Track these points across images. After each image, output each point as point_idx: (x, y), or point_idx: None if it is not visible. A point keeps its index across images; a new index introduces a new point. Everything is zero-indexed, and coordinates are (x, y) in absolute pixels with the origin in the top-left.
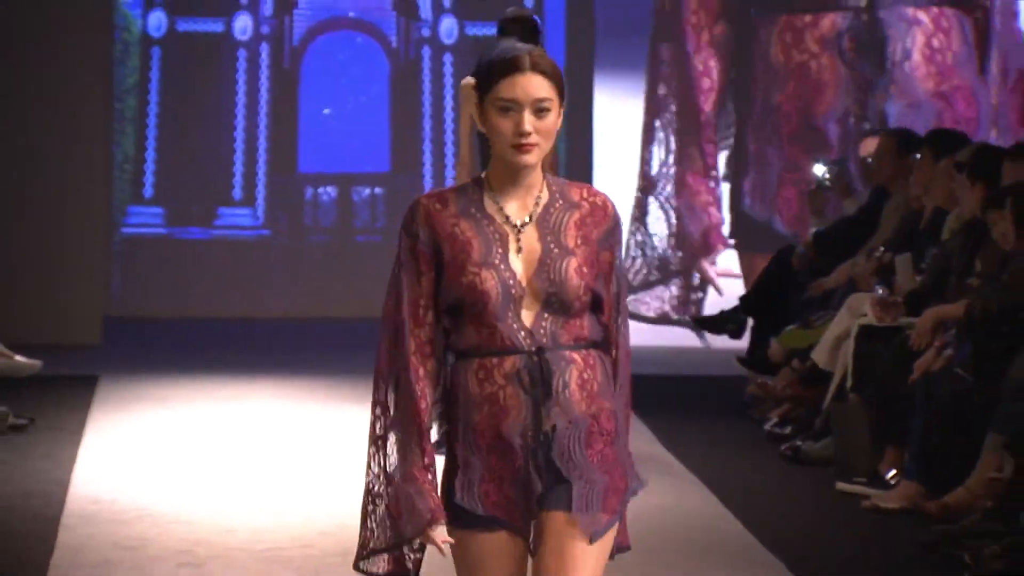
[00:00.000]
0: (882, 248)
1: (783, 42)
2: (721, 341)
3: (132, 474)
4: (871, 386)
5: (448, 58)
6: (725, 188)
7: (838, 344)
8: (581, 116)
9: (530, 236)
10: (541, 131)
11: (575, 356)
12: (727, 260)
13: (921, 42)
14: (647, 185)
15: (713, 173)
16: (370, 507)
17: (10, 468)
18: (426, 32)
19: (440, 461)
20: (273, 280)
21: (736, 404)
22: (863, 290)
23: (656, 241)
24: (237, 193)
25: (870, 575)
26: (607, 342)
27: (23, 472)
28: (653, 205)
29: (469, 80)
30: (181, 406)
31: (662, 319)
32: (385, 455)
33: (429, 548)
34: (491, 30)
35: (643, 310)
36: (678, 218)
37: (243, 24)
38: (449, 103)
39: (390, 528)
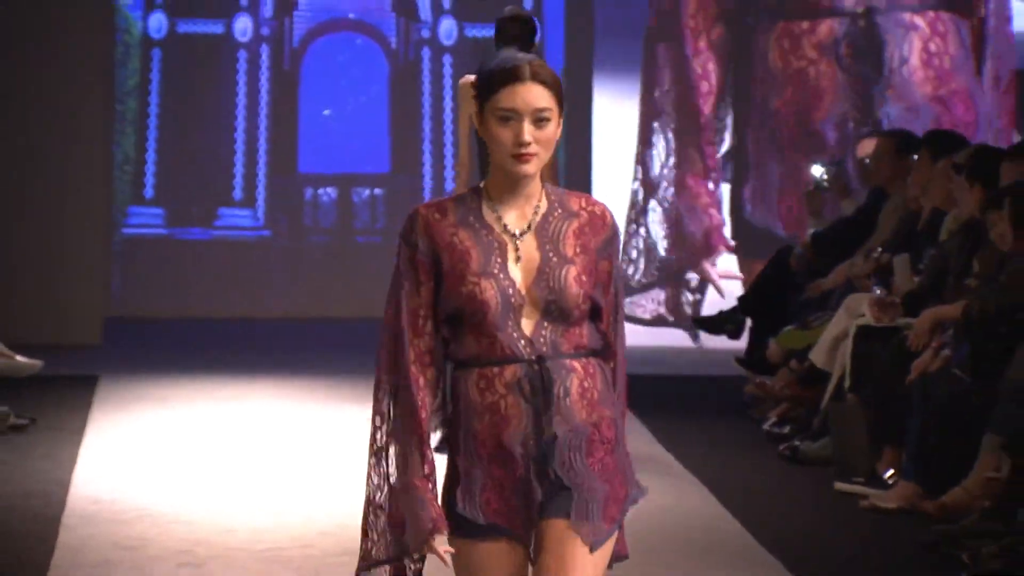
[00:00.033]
0: (880, 249)
1: (781, 48)
2: (720, 341)
3: (132, 474)
4: (869, 386)
5: (447, 59)
6: (725, 190)
7: (836, 344)
8: (580, 116)
9: (529, 245)
10: (540, 141)
11: (575, 364)
12: (728, 262)
13: (918, 47)
14: (646, 186)
15: (713, 175)
16: (371, 518)
17: (11, 468)
18: (425, 33)
19: (440, 467)
20: (273, 280)
21: (735, 404)
22: (861, 291)
23: (655, 242)
24: (237, 194)
25: (868, 575)
26: (606, 350)
27: (24, 472)
28: (652, 206)
29: (467, 79)
30: (181, 406)
31: (658, 321)
32: (386, 465)
33: (430, 557)
34: (490, 31)
35: (639, 312)
36: (678, 219)
37: (243, 25)
38: (448, 104)
39: (391, 539)
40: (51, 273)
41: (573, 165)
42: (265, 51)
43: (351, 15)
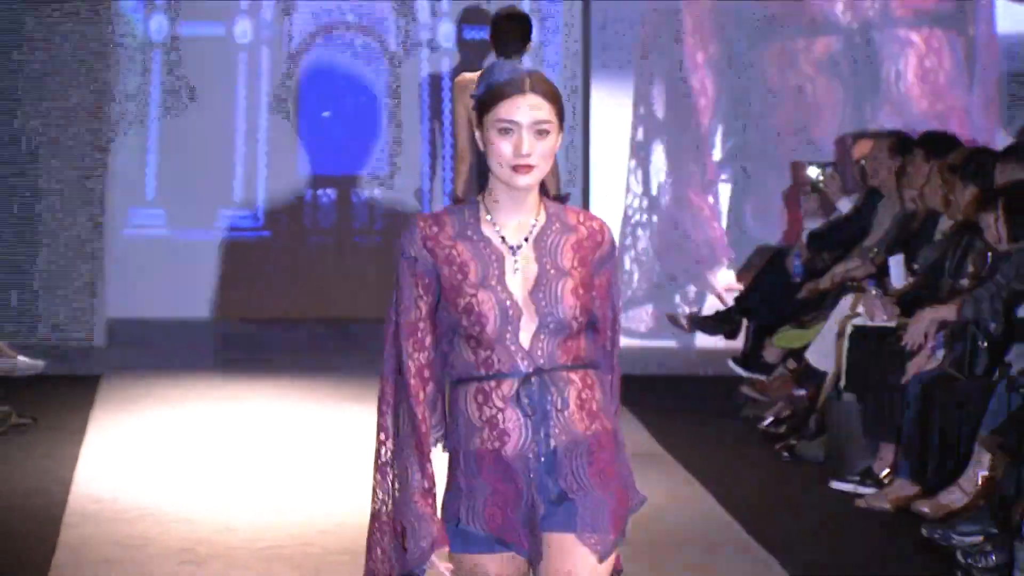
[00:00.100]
0: (876, 249)
1: (778, 65)
2: (717, 342)
3: (134, 473)
4: (865, 386)
5: (446, 61)
6: (724, 202)
7: (832, 344)
8: (578, 118)
9: (527, 257)
10: (540, 153)
11: (573, 376)
12: (727, 275)
13: (914, 63)
14: (643, 200)
15: (713, 188)
16: (377, 534)
17: (13, 467)
18: (425, 35)
19: (440, 475)
20: (273, 281)
21: (731, 404)
22: (857, 291)
23: (651, 256)
24: (237, 195)
25: (862, 572)
26: (605, 362)
27: (25, 471)
28: (647, 220)
29: (463, 76)
30: (182, 406)
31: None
32: (390, 481)
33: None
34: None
35: (634, 325)
36: (680, 233)
37: (243, 28)
38: (447, 106)
39: (395, 556)
40: (53, 273)
41: (571, 166)
42: (265, 53)
43: (350, 17)
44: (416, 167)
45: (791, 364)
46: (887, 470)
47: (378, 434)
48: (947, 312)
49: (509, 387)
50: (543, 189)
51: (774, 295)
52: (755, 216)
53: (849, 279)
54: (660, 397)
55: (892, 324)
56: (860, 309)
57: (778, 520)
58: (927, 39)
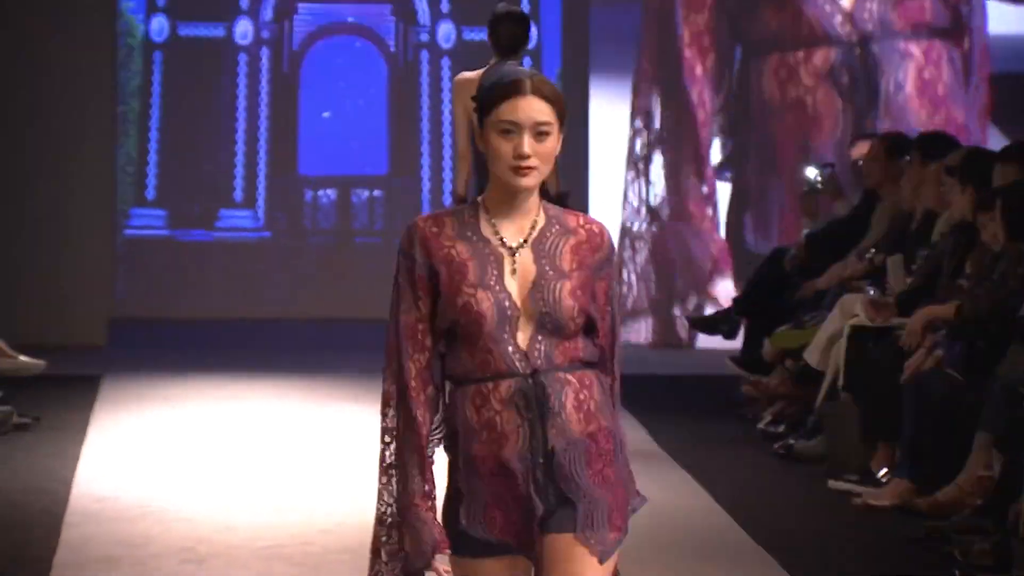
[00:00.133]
0: (873, 249)
1: (778, 78)
2: (715, 341)
3: (135, 472)
4: (863, 385)
5: (446, 62)
6: (722, 215)
7: (830, 344)
8: (577, 119)
9: (526, 259)
10: (540, 154)
11: (570, 377)
12: (727, 287)
13: (913, 74)
14: (641, 213)
15: (713, 200)
16: (383, 537)
17: (15, 466)
18: (424, 37)
19: (440, 480)
20: (273, 281)
21: (730, 403)
22: (855, 291)
23: (651, 269)
24: (238, 195)
25: (861, 571)
26: (603, 364)
27: (28, 470)
28: (646, 233)
29: (463, 75)
30: (183, 405)
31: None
32: (394, 484)
33: None
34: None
35: (633, 338)
36: (681, 245)
37: (244, 29)
38: (447, 107)
39: (399, 560)
40: (55, 274)
41: (569, 170)
42: (265, 54)
43: (350, 19)
44: (416, 168)
45: (789, 364)
46: (885, 469)
47: (382, 436)
48: (945, 312)
49: (506, 389)
50: (543, 190)
51: (773, 295)
52: (755, 228)
53: (847, 279)
54: (658, 397)
55: (890, 324)
56: (858, 309)
57: (776, 519)
58: (926, 51)
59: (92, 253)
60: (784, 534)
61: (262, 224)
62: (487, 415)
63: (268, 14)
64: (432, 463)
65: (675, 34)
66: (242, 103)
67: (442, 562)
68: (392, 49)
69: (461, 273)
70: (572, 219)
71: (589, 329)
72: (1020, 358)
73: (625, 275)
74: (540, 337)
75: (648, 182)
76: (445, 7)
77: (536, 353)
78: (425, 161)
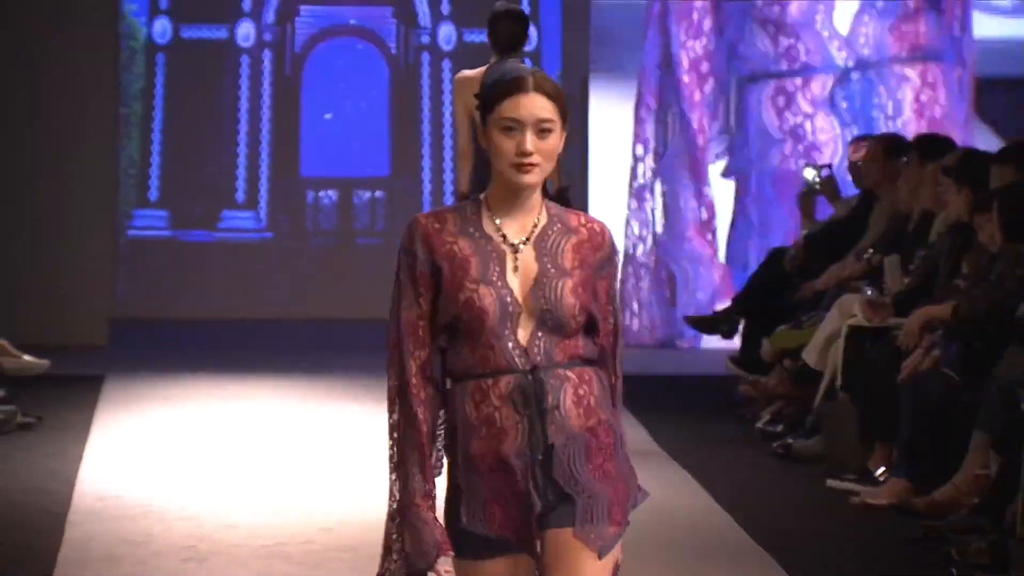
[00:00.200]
0: (871, 250)
1: (776, 106)
2: (714, 341)
3: (137, 471)
4: (860, 385)
5: (446, 64)
6: (721, 240)
7: (828, 344)
8: (577, 120)
9: (527, 256)
10: (542, 152)
11: (570, 373)
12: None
13: (910, 98)
14: (645, 241)
15: (712, 226)
16: (394, 535)
17: (18, 465)
18: (425, 39)
19: (440, 480)
20: (275, 281)
21: (728, 403)
22: (852, 291)
23: (655, 299)
24: (240, 196)
25: (859, 570)
26: (604, 361)
27: (31, 469)
28: (649, 261)
29: (463, 73)
30: (185, 405)
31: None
32: (399, 480)
33: None
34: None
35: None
36: (684, 272)
37: (246, 31)
38: (448, 108)
39: (404, 560)
40: (58, 275)
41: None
42: (267, 56)
43: (352, 21)
44: (417, 169)
45: (788, 364)
46: (882, 469)
47: (390, 434)
48: (942, 312)
49: (506, 385)
50: (543, 187)
51: (771, 295)
52: (758, 254)
53: (845, 280)
54: (658, 396)
55: (887, 324)
56: (856, 309)
57: (774, 518)
58: (922, 73)
59: (94, 254)
60: (782, 533)
61: (264, 225)
62: (486, 411)
63: (270, 16)
64: (432, 460)
65: (673, 60)
66: (244, 105)
67: (444, 564)
68: (393, 51)
69: (464, 269)
70: (574, 218)
71: (590, 327)
72: (1017, 358)
73: (635, 307)
74: (540, 334)
75: (651, 209)
76: (446, 9)
77: (536, 350)
78: (426, 162)
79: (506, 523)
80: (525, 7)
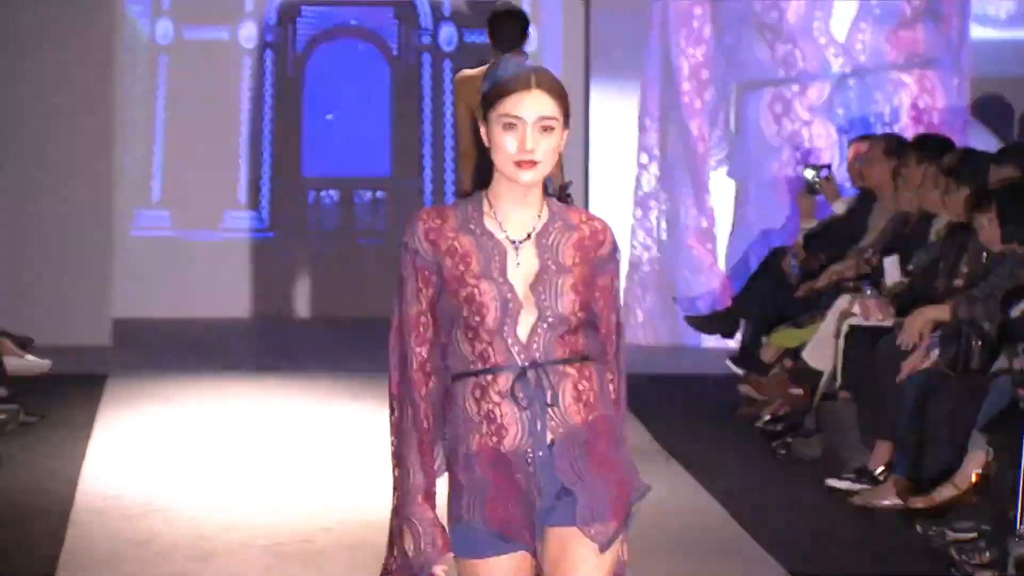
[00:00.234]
0: (870, 250)
1: (774, 113)
2: (714, 341)
3: (140, 470)
4: (860, 384)
5: (447, 65)
6: (721, 248)
7: (828, 343)
8: (577, 120)
9: (528, 252)
10: (544, 149)
11: (569, 369)
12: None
13: (907, 104)
14: (651, 249)
15: (712, 234)
16: (396, 532)
17: (21, 464)
18: (426, 40)
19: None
20: (277, 281)
21: (728, 402)
22: (852, 291)
23: (659, 307)
24: (242, 197)
25: (858, 568)
26: (605, 358)
27: (33, 468)
28: (658, 268)
29: (464, 73)
30: (187, 404)
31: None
32: (401, 476)
33: None
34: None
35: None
36: (682, 281)
37: (248, 32)
38: (449, 108)
39: (403, 559)
40: (60, 275)
41: (570, 167)
42: (269, 57)
43: (353, 22)
44: (418, 169)
45: (788, 363)
46: (882, 467)
47: (391, 430)
48: (941, 312)
49: (505, 381)
50: (544, 185)
51: (771, 295)
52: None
53: (845, 279)
54: (657, 395)
55: (887, 324)
56: (856, 309)
57: (774, 517)
58: (919, 80)
59: (97, 253)
60: (782, 532)
61: (266, 225)
62: (486, 407)
63: (272, 17)
64: (433, 457)
65: (673, 67)
66: (246, 105)
67: (443, 565)
68: (394, 52)
69: (465, 264)
70: (575, 215)
71: (591, 324)
72: (1016, 357)
73: (639, 316)
74: (541, 330)
75: (655, 217)
76: (447, 10)
77: (536, 346)
78: (427, 163)
79: (507, 520)
80: (525, 7)
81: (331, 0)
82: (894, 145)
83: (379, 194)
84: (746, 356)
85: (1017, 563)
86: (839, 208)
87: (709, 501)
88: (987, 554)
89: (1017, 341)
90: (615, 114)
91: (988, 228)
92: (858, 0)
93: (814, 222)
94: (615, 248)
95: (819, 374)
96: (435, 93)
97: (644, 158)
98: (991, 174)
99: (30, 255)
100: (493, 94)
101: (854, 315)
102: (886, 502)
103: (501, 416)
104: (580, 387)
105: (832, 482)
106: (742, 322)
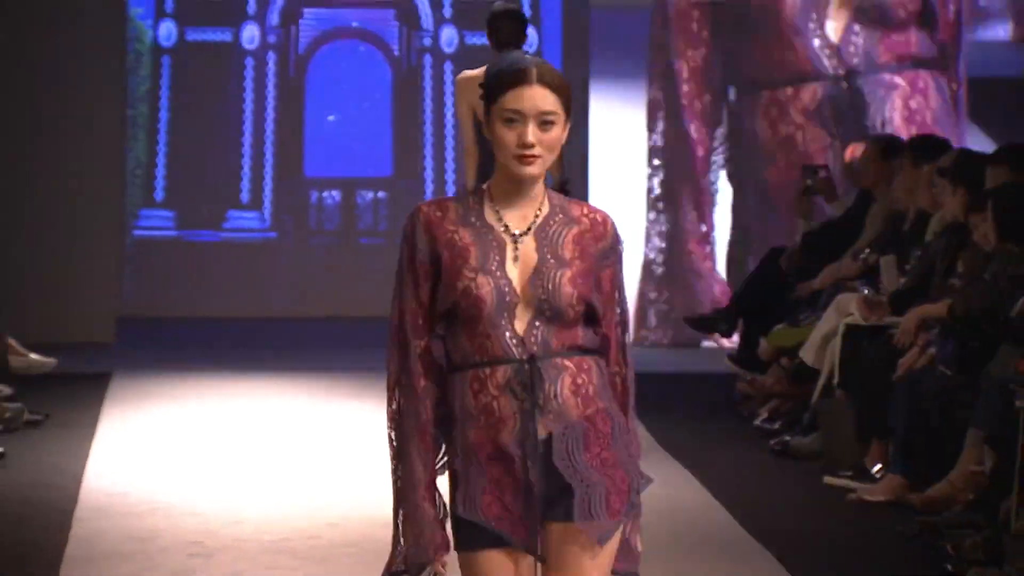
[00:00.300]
0: (867, 250)
1: (769, 117)
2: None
3: (143, 468)
4: (857, 383)
5: (448, 66)
6: (720, 253)
7: (825, 343)
8: (577, 121)
9: (528, 246)
10: (545, 143)
11: (567, 363)
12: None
13: (900, 105)
14: (660, 251)
15: (710, 238)
16: (399, 520)
17: (26, 462)
18: (427, 41)
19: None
20: (279, 280)
21: (727, 400)
22: (849, 291)
23: (669, 309)
24: (245, 197)
25: (855, 565)
26: (607, 351)
27: (38, 466)
28: (663, 271)
29: (465, 73)
30: (190, 402)
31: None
32: (400, 470)
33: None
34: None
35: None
36: (685, 286)
37: (250, 34)
38: (449, 109)
39: (404, 553)
40: (65, 274)
41: (570, 166)
42: (272, 58)
43: (355, 23)
44: (419, 170)
45: (785, 362)
46: (879, 465)
47: (389, 423)
48: (937, 311)
49: (503, 374)
50: (546, 179)
51: (769, 295)
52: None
53: (842, 279)
54: (656, 394)
55: (884, 323)
56: (853, 308)
57: (772, 514)
58: (912, 81)
59: (101, 253)
60: (779, 529)
61: (268, 225)
62: (484, 400)
63: (274, 19)
64: (433, 450)
65: (673, 70)
66: (249, 106)
67: (443, 558)
68: (396, 53)
69: (463, 257)
70: (576, 208)
71: (591, 317)
72: (1011, 356)
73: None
74: (538, 324)
75: (662, 221)
76: (448, 12)
77: (533, 339)
78: (428, 163)
79: (502, 515)
80: (525, 8)
81: (333, 2)
82: (890, 146)
83: (380, 194)
84: (744, 355)
85: (1012, 560)
86: (836, 209)
87: (707, 498)
88: (983, 552)
89: (1012, 340)
90: (615, 114)
91: (983, 228)
92: (853, 2)
93: (812, 223)
94: (617, 240)
95: (816, 373)
96: (436, 94)
97: (656, 160)
98: (988, 175)
99: (35, 254)
100: (494, 89)
101: (851, 314)
102: (882, 499)
103: (499, 409)
104: (578, 381)
105: (829, 480)
106: (740, 321)
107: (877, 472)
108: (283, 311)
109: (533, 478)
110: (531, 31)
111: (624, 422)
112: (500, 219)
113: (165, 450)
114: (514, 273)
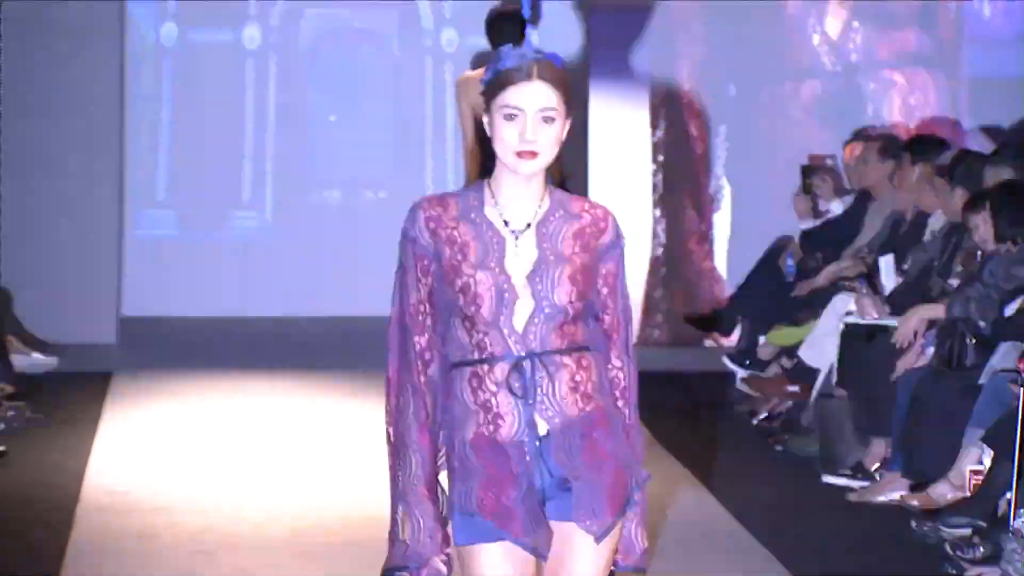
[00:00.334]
0: (866, 249)
1: (768, 113)
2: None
3: (145, 466)
4: (856, 382)
5: (449, 67)
6: (720, 252)
7: (824, 342)
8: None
9: (528, 242)
10: (545, 139)
11: (566, 360)
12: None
13: (897, 102)
14: (664, 250)
15: (710, 237)
16: (398, 516)
17: (27, 461)
18: (428, 43)
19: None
20: (280, 280)
21: (726, 399)
22: (848, 290)
23: (663, 309)
24: (246, 197)
25: (854, 564)
26: (608, 348)
27: (40, 465)
28: (668, 271)
29: (466, 74)
30: (192, 401)
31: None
32: (400, 466)
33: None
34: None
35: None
36: (687, 285)
37: (252, 34)
38: (450, 109)
39: (403, 549)
40: (67, 274)
41: (570, 165)
42: (273, 59)
43: (356, 24)
44: (420, 170)
45: (784, 361)
46: (878, 465)
47: (388, 418)
48: (936, 311)
49: (502, 371)
50: (547, 175)
51: (768, 294)
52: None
53: (841, 278)
54: (656, 393)
55: (883, 322)
56: (852, 308)
57: (771, 513)
58: (910, 77)
59: (103, 253)
60: (778, 528)
61: (270, 225)
62: (483, 397)
63: (275, 20)
64: (433, 447)
65: (674, 67)
66: (250, 107)
67: (442, 555)
68: (397, 54)
69: (463, 254)
70: (577, 204)
71: (590, 314)
72: (1009, 355)
73: (659, 319)
74: (537, 320)
75: (665, 221)
76: (449, 13)
77: (532, 336)
78: (428, 163)
79: (499, 512)
80: (525, 9)
81: (334, 3)
82: (890, 145)
83: (381, 194)
84: (744, 354)
85: (1010, 558)
86: (835, 208)
87: (706, 497)
88: (981, 550)
89: (1011, 339)
90: (615, 114)
91: (983, 228)
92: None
93: (811, 222)
94: (618, 235)
95: (815, 372)
96: (437, 95)
97: (661, 158)
98: (987, 175)
99: (37, 254)
100: (494, 85)
101: (850, 314)
102: (882, 499)
103: (497, 406)
104: (577, 378)
105: (828, 478)
106: (740, 320)
107: (876, 471)
108: (284, 310)
109: (532, 475)
110: (531, 31)
111: (624, 419)
112: (500, 215)
113: (167, 449)
114: (513, 270)
